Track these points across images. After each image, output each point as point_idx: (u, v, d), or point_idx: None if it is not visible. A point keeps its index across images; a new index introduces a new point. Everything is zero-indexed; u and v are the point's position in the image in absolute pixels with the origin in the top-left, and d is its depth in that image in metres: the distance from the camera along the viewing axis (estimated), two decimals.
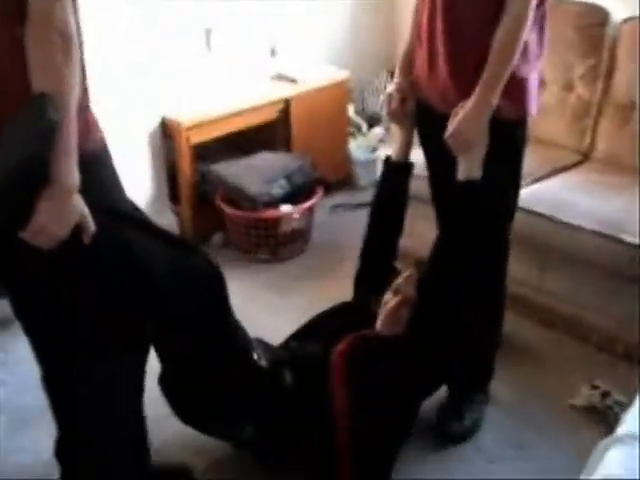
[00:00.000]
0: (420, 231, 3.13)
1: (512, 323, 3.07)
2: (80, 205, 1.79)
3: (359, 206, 4.18)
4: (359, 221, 4.02)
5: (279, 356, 2.54)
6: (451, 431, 2.61)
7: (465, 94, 2.23)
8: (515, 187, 2.49)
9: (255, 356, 2.39)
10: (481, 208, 2.30)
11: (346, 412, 2.32)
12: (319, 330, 2.73)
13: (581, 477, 1.85)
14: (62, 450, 2.23)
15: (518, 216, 2.61)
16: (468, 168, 2.28)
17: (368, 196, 4.18)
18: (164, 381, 2.34)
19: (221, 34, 3.93)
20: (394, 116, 2.58)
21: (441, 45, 2.29)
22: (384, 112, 2.82)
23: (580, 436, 2.59)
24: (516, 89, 2.26)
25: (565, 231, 2.96)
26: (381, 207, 2.72)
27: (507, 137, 2.33)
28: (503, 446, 2.60)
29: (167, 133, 3.71)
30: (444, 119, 2.29)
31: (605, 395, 2.68)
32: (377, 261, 2.73)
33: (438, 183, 2.58)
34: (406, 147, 2.60)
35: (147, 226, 2.10)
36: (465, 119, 2.22)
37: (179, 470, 2.51)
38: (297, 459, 2.44)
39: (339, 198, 4.30)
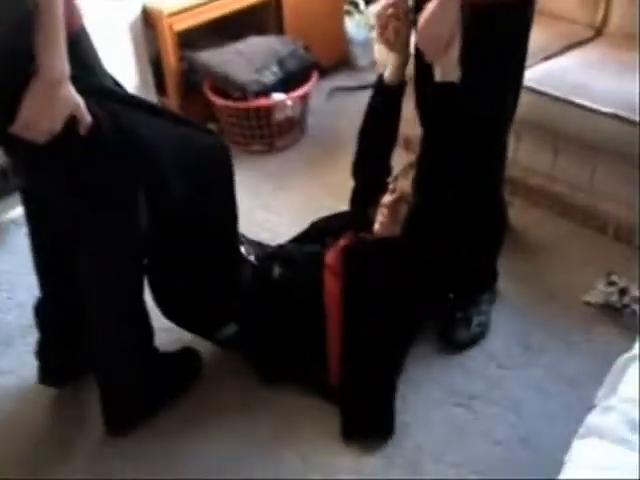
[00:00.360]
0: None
1: (523, 214, 2.91)
2: (71, 96, 1.72)
3: (358, 88, 3.96)
4: (359, 104, 3.78)
5: (270, 253, 2.45)
6: (458, 337, 2.46)
7: None
8: (515, 87, 2.24)
9: (243, 250, 2.30)
10: (468, 110, 2.07)
11: (338, 305, 2.26)
12: (315, 235, 2.60)
13: (599, 395, 1.72)
14: (44, 311, 2.29)
15: (529, 99, 2.42)
16: (443, 70, 2.04)
17: (367, 77, 4.00)
18: (148, 271, 2.22)
19: None
20: (387, 42, 2.33)
21: None
22: (375, 34, 2.53)
23: (595, 337, 2.46)
24: None
25: (580, 114, 2.71)
26: (373, 124, 2.54)
27: (505, 23, 2.05)
28: (513, 350, 2.45)
29: (149, 22, 3.44)
30: None
31: (623, 292, 2.50)
32: (370, 178, 2.59)
33: (420, 84, 2.34)
34: (400, 69, 2.38)
35: (146, 105, 2.03)
36: (432, 14, 1.93)
37: (185, 352, 2.41)
38: (285, 357, 2.34)
39: (336, 81, 4.04)
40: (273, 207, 3.19)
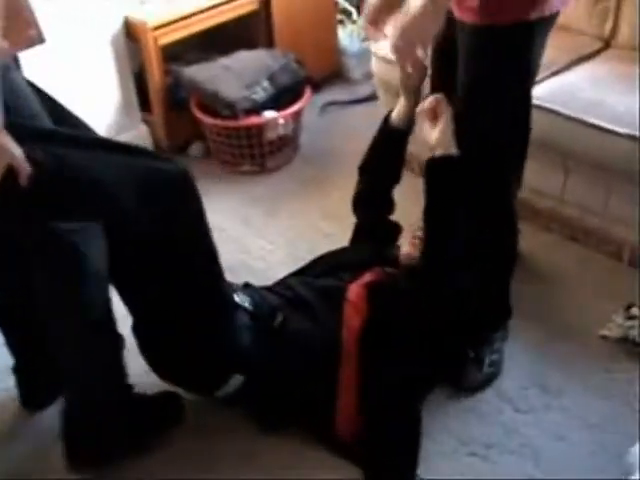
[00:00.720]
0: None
1: (532, 239, 2.73)
2: (7, 146, 1.61)
3: (352, 102, 3.80)
4: (353, 119, 3.69)
5: (271, 296, 2.25)
6: (470, 379, 2.28)
7: None
8: (521, 106, 2.11)
9: (237, 298, 2.12)
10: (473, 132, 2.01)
11: (356, 342, 2.10)
12: (325, 269, 2.42)
13: None
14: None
15: (539, 117, 2.25)
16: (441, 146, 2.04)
17: (362, 90, 3.84)
18: (136, 330, 2.07)
19: None
20: (401, 84, 2.24)
21: None
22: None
23: (615, 375, 2.29)
24: None
25: (593, 134, 2.54)
26: (375, 162, 2.41)
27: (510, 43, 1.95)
28: (529, 392, 2.27)
29: (132, 35, 3.24)
30: None
31: None
32: (372, 214, 2.46)
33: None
34: (408, 113, 2.26)
35: (97, 142, 1.90)
36: (414, 19, 1.78)
37: (165, 395, 2.23)
38: (289, 406, 2.17)
39: (330, 95, 3.86)
40: (266, 234, 3.01)
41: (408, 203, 2.44)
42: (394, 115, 2.30)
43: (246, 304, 2.11)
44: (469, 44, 1.99)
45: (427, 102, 2.14)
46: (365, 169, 2.41)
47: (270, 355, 2.09)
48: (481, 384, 2.29)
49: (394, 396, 2.11)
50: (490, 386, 2.29)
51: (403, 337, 2.13)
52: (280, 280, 2.45)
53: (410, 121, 2.27)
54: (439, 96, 2.12)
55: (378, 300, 2.17)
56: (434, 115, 2.12)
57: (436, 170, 2.11)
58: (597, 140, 2.55)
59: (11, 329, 2.21)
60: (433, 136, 2.10)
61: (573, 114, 2.59)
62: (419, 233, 2.30)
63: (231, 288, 2.15)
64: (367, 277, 2.25)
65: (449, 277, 2.18)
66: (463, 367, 2.30)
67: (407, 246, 2.37)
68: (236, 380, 2.09)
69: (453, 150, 2.08)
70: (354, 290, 2.20)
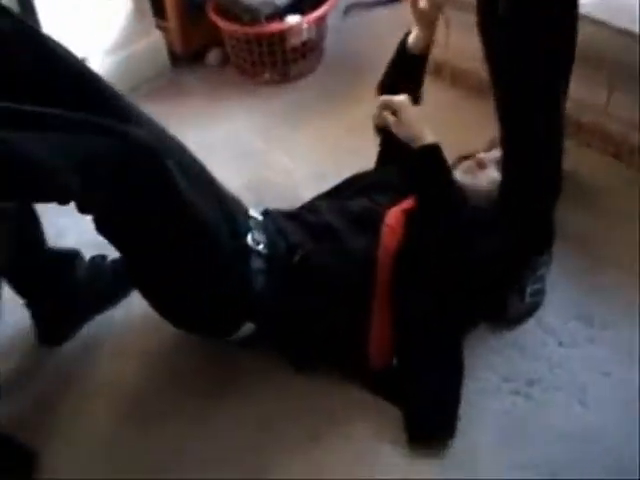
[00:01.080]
0: (456, 42, 2.88)
1: (575, 156, 2.56)
2: None
3: (378, 3, 3.57)
4: (379, 22, 3.47)
5: (288, 227, 2.09)
6: (511, 310, 2.17)
7: None
8: None
9: (250, 240, 1.96)
10: None
11: (391, 266, 1.98)
12: (355, 191, 2.28)
13: None
14: None
15: (582, 28, 2.06)
16: None
17: None
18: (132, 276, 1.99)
19: None
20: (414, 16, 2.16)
21: None
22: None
23: None
24: None
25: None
26: (393, 83, 2.27)
27: None
28: (572, 325, 2.16)
29: None
30: None
31: None
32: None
33: None
34: (422, 42, 2.20)
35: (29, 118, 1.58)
36: None
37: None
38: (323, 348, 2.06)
39: None
40: (288, 149, 2.85)
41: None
42: (410, 41, 2.19)
43: (260, 247, 1.96)
44: None
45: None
46: (383, 90, 2.26)
47: (286, 296, 1.96)
48: (523, 315, 2.18)
49: (433, 329, 2.00)
50: (532, 317, 2.18)
51: (441, 267, 2.00)
52: (308, 202, 2.32)
53: (427, 48, 2.20)
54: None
55: (417, 228, 2.04)
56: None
57: None
58: None
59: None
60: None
61: (620, 24, 2.40)
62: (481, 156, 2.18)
63: (245, 225, 1.99)
64: (406, 204, 2.11)
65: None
66: (504, 297, 2.18)
67: (459, 171, 2.19)
68: (248, 327, 1.99)
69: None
70: (393, 214, 2.07)
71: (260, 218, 2.07)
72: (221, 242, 1.88)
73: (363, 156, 2.61)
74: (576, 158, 2.57)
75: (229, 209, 1.96)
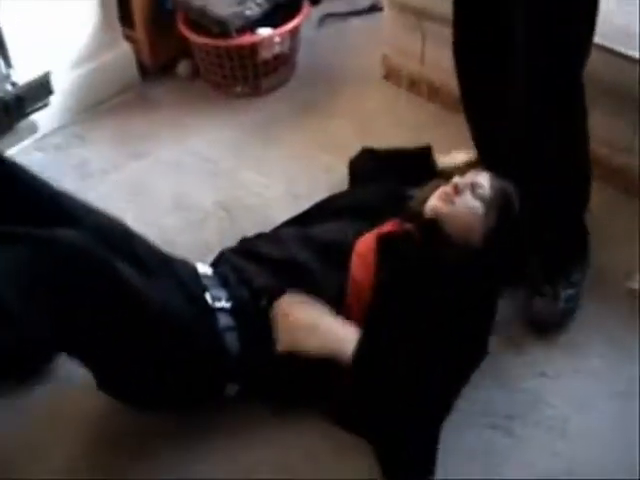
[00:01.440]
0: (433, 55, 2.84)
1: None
2: None
3: (353, 14, 3.49)
4: (354, 33, 3.39)
5: (249, 270, 1.98)
6: (544, 316, 2.12)
7: None
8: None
9: (209, 298, 1.85)
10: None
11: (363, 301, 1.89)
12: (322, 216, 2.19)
13: None
14: None
15: (603, 59, 2.01)
16: None
17: (363, 0, 3.52)
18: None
19: None
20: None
21: None
22: None
23: None
24: None
25: None
26: None
27: None
28: (554, 352, 2.09)
29: None
30: None
31: None
32: None
33: None
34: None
35: None
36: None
37: None
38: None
39: (328, 5, 3.52)
40: (261, 166, 2.75)
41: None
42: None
43: (222, 302, 1.85)
44: None
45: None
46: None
47: (260, 345, 1.84)
48: (557, 321, 2.12)
49: (409, 364, 1.89)
50: (513, 348, 2.10)
51: (416, 308, 1.89)
52: (273, 231, 2.22)
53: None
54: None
55: (390, 256, 1.96)
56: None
57: None
58: None
59: None
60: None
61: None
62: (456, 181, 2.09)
63: (199, 285, 1.88)
64: (381, 228, 2.03)
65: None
66: (537, 303, 2.13)
67: (435, 199, 2.09)
68: (231, 388, 1.89)
69: None
70: (364, 241, 1.98)
71: (210, 273, 1.96)
72: (182, 316, 1.78)
73: (338, 172, 2.57)
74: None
75: (180, 277, 1.86)
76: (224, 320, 1.83)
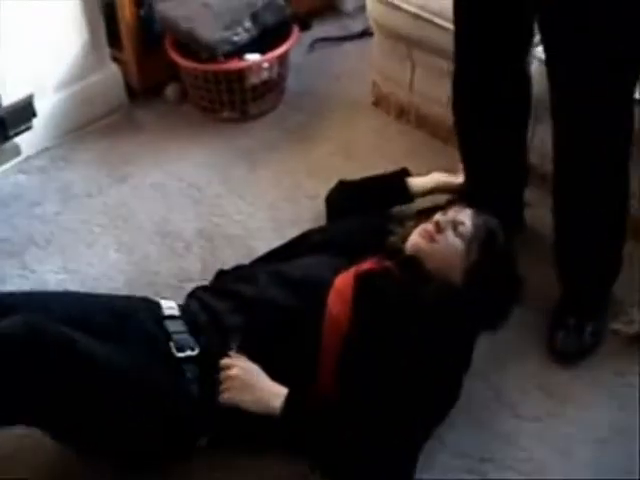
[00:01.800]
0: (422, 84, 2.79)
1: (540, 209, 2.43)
2: None
3: (343, 39, 3.46)
4: (345, 58, 3.37)
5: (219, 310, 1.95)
6: (566, 346, 2.12)
7: None
8: None
9: (173, 349, 1.84)
10: None
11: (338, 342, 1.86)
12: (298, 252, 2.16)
13: None
14: None
15: None
16: None
17: (355, 25, 3.49)
18: None
19: None
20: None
21: None
22: None
23: (630, 379, 2.06)
24: None
25: None
26: None
27: None
28: (532, 394, 2.05)
29: None
30: None
31: None
32: None
33: None
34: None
35: None
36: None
37: None
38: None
39: (319, 30, 3.49)
40: (245, 194, 2.72)
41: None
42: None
43: (188, 351, 1.83)
44: None
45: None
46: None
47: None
48: (579, 354, 2.12)
49: (383, 405, 1.85)
50: (492, 394, 2.05)
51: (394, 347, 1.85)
52: (249, 267, 2.20)
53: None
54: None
55: (368, 292, 1.93)
56: None
57: None
58: None
59: None
60: None
61: None
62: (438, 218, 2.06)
63: (163, 333, 1.86)
64: (359, 266, 1.99)
65: None
66: (557, 333, 2.13)
67: (416, 236, 2.06)
68: (203, 440, 1.86)
69: None
70: (342, 278, 1.95)
71: (177, 312, 1.93)
72: (147, 379, 1.76)
73: (323, 199, 2.53)
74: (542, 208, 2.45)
75: (142, 331, 1.84)
76: (190, 372, 1.81)
